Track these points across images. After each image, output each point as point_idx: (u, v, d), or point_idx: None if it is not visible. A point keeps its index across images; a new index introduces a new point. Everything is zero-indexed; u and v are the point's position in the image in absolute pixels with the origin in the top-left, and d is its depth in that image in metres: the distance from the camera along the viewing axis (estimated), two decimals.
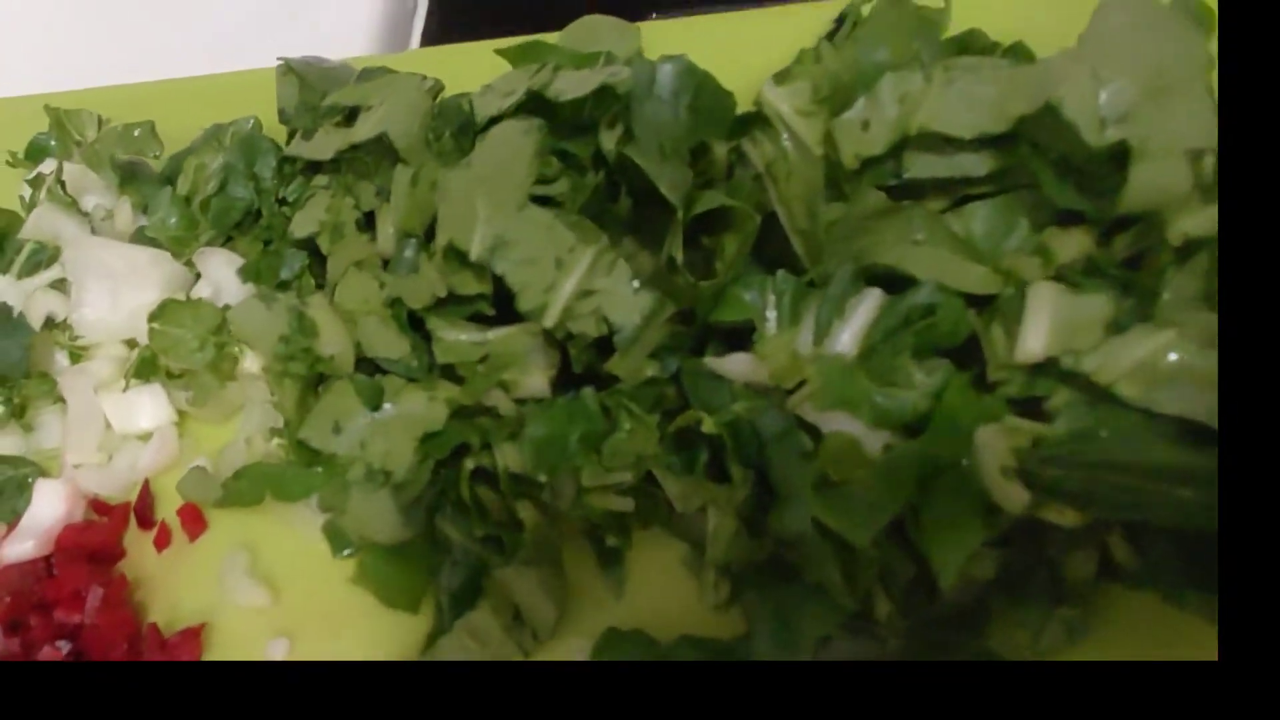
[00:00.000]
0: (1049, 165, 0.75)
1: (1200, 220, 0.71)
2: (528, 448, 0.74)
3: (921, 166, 0.78)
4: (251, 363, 0.91)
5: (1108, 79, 0.73)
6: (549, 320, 0.75)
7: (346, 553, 0.83)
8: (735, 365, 0.73)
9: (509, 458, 0.76)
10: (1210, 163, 0.73)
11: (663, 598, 0.79)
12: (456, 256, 0.78)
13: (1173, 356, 0.66)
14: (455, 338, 0.80)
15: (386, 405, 0.81)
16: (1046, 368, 0.68)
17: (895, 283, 0.75)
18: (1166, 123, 0.73)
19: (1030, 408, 0.70)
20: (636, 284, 0.75)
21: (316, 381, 0.86)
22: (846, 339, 0.73)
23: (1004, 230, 0.77)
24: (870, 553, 0.66)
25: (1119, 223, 0.74)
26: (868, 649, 0.72)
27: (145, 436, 0.96)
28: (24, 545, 0.90)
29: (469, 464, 0.78)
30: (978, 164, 0.77)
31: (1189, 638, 0.70)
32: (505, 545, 0.77)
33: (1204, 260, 0.70)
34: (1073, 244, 0.73)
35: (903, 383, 0.68)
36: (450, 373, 0.82)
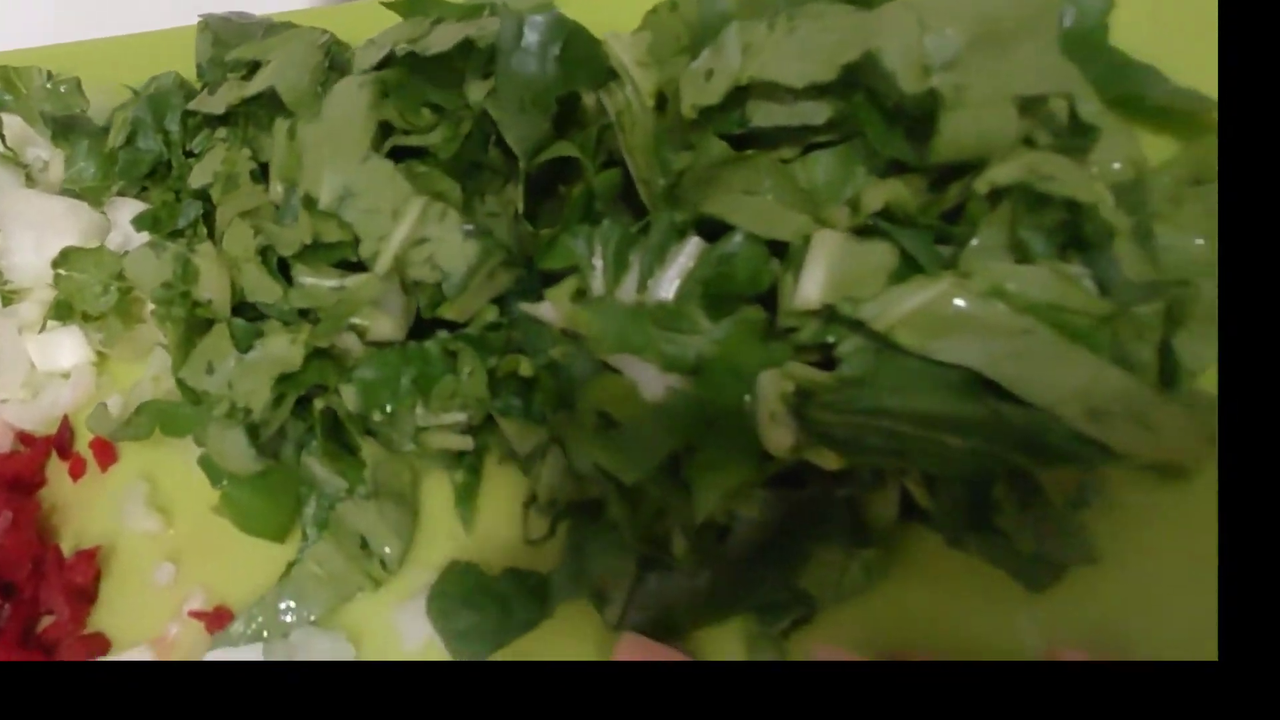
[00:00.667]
0: (878, 113, 0.76)
1: (1009, 169, 0.71)
2: (357, 388, 0.78)
3: (763, 115, 0.79)
4: None
5: (934, 26, 0.73)
6: (381, 266, 0.78)
7: (223, 484, 0.88)
8: (546, 311, 0.76)
9: (347, 398, 0.80)
10: (1062, 108, 0.73)
11: (506, 531, 0.83)
12: (311, 205, 0.82)
13: (956, 304, 0.67)
14: (314, 283, 0.84)
15: (255, 347, 0.85)
16: (838, 315, 0.70)
17: (724, 231, 0.77)
18: (997, 70, 0.72)
19: (827, 355, 0.71)
20: (470, 229, 0.78)
21: (205, 325, 0.91)
22: (665, 286, 0.75)
23: (843, 178, 0.78)
24: (652, 491, 0.68)
25: (955, 171, 0.75)
26: (679, 586, 0.75)
27: (67, 375, 1.02)
28: None
29: (319, 404, 0.82)
30: (817, 112, 0.77)
31: (980, 580, 0.71)
32: (349, 479, 0.81)
33: (1008, 210, 0.71)
34: (885, 192, 0.73)
35: (688, 329, 0.70)
36: (312, 317, 0.86)
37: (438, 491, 0.87)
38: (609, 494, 0.71)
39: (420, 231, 0.78)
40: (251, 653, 0.81)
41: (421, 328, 0.85)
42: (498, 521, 0.84)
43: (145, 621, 0.89)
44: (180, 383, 0.88)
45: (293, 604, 0.83)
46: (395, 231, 0.78)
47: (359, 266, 0.86)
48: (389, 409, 0.79)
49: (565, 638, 0.77)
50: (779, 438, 0.66)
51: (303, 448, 0.87)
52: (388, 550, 0.82)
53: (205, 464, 0.87)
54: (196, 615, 0.87)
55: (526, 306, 0.77)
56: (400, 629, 0.81)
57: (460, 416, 0.79)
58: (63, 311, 0.99)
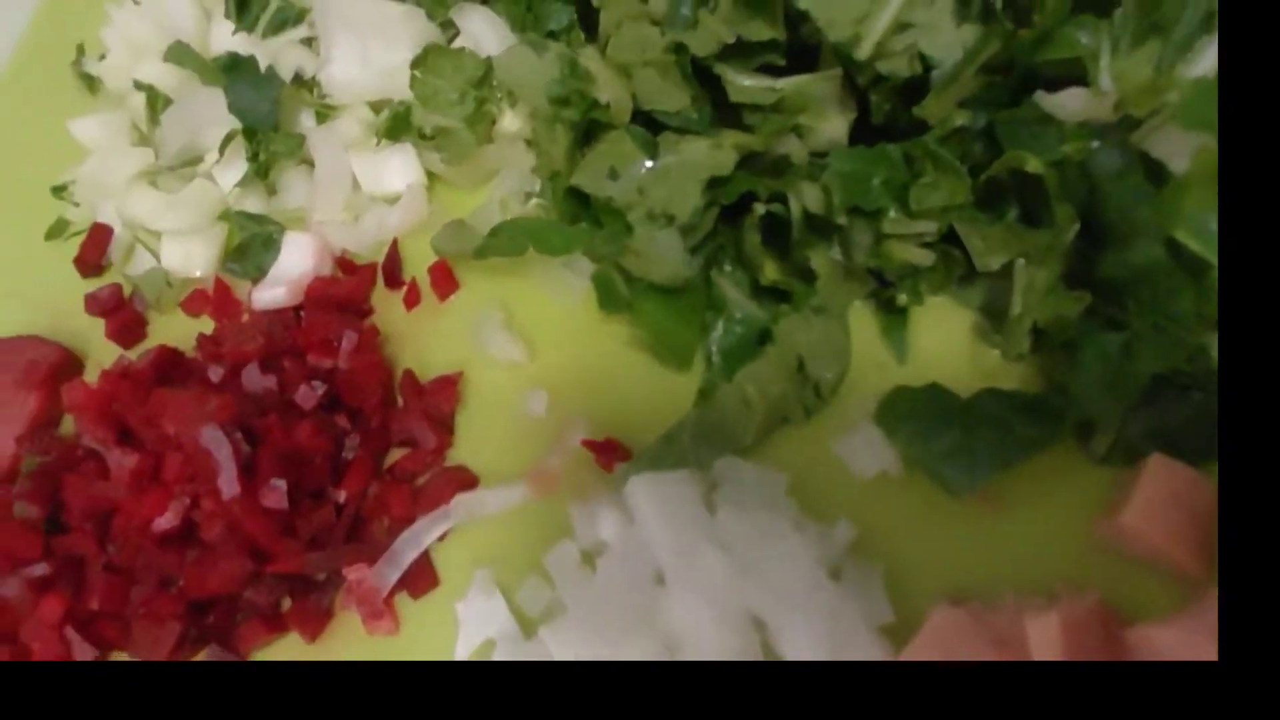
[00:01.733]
0: None
1: None
2: (834, 181, 0.70)
3: None
4: (510, 122, 0.88)
5: None
6: (863, 52, 0.70)
7: (612, 308, 0.79)
8: (1071, 101, 0.68)
9: (808, 198, 0.72)
10: None
11: (949, 361, 0.75)
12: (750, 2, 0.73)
13: None
14: (754, 82, 0.75)
15: (665, 154, 0.77)
16: None
17: None
18: None
19: None
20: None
21: (584, 135, 0.82)
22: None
23: None
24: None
25: None
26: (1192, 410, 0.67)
27: (392, 200, 0.94)
28: (275, 292, 0.89)
29: (759, 209, 0.74)
30: None
31: None
32: (794, 294, 0.73)
33: None
34: None
35: None
36: (736, 123, 0.78)
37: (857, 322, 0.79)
38: (1166, 288, 0.62)
39: (906, 15, 0.69)
40: (660, 486, 0.72)
41: (866, 134, 0.76)
42: (927, 352, 0.76)
43: (516, 456, 0.81)
44: (567, 197, 0.80)
45: (711, 432, 0.74)
46: (881, 13, 0.69)
47: (778, 71, 0.77)
48: (859, 211, 0.70)
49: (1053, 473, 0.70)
50: None
51: (712, 267, 0.78)
52: (827, 375, 0.74)
53: (600, 281, 0.79)
54: (590, 445, 0.78)
55: (1043, 98, 0.69)
56: (846, 457, 0.73)
57: (930, 226, 0.71)
58: (399, 127, 0.91)
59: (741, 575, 0.67)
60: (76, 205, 1.02)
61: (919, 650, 0.64)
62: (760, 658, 0.66)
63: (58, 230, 1.03)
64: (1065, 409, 0.68)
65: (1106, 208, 0.66)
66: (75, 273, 1.00)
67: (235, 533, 0.77)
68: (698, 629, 0.66)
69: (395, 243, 0.91)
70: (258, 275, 0.93)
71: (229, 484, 0.77)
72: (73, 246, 1.01)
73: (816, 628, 0.65)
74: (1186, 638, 0.59)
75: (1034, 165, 0.67)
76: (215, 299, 0.93)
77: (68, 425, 0.92)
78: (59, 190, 1.02)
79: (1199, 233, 0.61)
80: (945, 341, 0.76)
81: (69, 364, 0.95)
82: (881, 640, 0.66)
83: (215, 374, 0.84)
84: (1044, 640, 0.60)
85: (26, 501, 0.82)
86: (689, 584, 0.67)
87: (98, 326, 0.96)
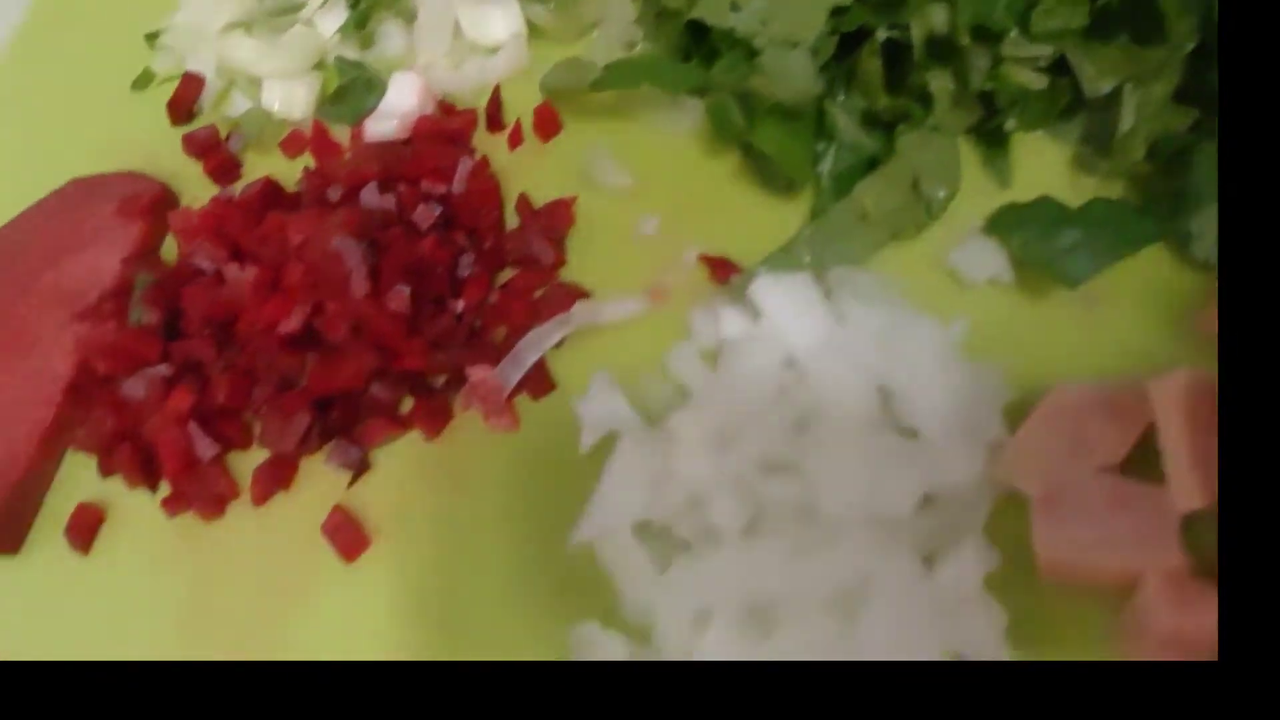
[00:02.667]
0: None
1: None
2: (963, 1, 0.75)
3: None
4: None
5: None
6: None
7: (726, 136, 0.84)
8: None
9: (934, 18, 0.76)
10: None
11: (1050, 189, 0.80)
12: None
13: None
14: None
15: None
16: None
17: None
18: None
19: None
20: None
21: None
22: None
23: None
24: None
25: None
26: None
27: (492, 51, 0.97)
28: (387, 124, 0.92)
29: (880, 35, 0.79)
30: None
31: None
32: (913, 114, 0.78)
33: None
34: None
35: None
36: None
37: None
38: None
39: None
40: (786, 282, 0.77)
41: None
42: (1035, 179, 0.81)
43: (629, 274, 0.84)
44: (687, 29, 0.84)
45: (827, 244, 0.79)
46: None
47: None
48: (981, 33, 0.76)
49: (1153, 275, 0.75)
50: None
51: (824, 97, 0.83)
52: (940, 193, 0.79)
53: (715, 109, 0.83)
54: (706, 259, 0.82)
55: None
56: (959, 265, 0.78)
57: (1046, 49, 0.76)
58: None
59: (873, 351, 0.71)
60: (166, 53, 1.03)
61: (1039, 421, 0.69)
62: (892, 431, 0.70)
63: (144, 80, 1.05)
64: (1172, 213, 0.73)
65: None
66: (163, 121, 1.02)
67: (361, 332, 0.80)
68: (834, 400, 0.70)
69: (498, 87, 0.94)
70: (356, 119, 0.96)
71: (359, 284, 0.79)
72: (159, 96, 1.03)
73: (946, 399, 0.69)
74: None
75: None
76: (314, 139, 0.95)
77: (168, 255, 0.93)
78: (152, 37, 1.04)
79: None
80: (1045, 172, 0.81)
81: (166, 198, 0.96)
82: (1002, 419, 0.70)
83: (334, 193, 0.87)
84: (1167, 401, 0.64)
85: (147, 306, 0.84)
86: (822, 361, 0.71)
87: (187, 169, 0.98)
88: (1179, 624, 0.60)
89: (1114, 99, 0.77)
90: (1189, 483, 0.62)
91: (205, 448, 0.81)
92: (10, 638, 0.82)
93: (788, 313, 0.74)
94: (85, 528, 0.83)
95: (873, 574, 0.64)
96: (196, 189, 0.98)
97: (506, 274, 0.87)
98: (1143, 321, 0.74)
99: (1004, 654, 0.63)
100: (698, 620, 0.66)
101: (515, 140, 0.93)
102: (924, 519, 0.67)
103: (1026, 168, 0.82)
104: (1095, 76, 0.76)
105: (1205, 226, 0.73)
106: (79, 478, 0.87)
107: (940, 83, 0.78)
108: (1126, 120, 0.75)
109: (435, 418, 0.80)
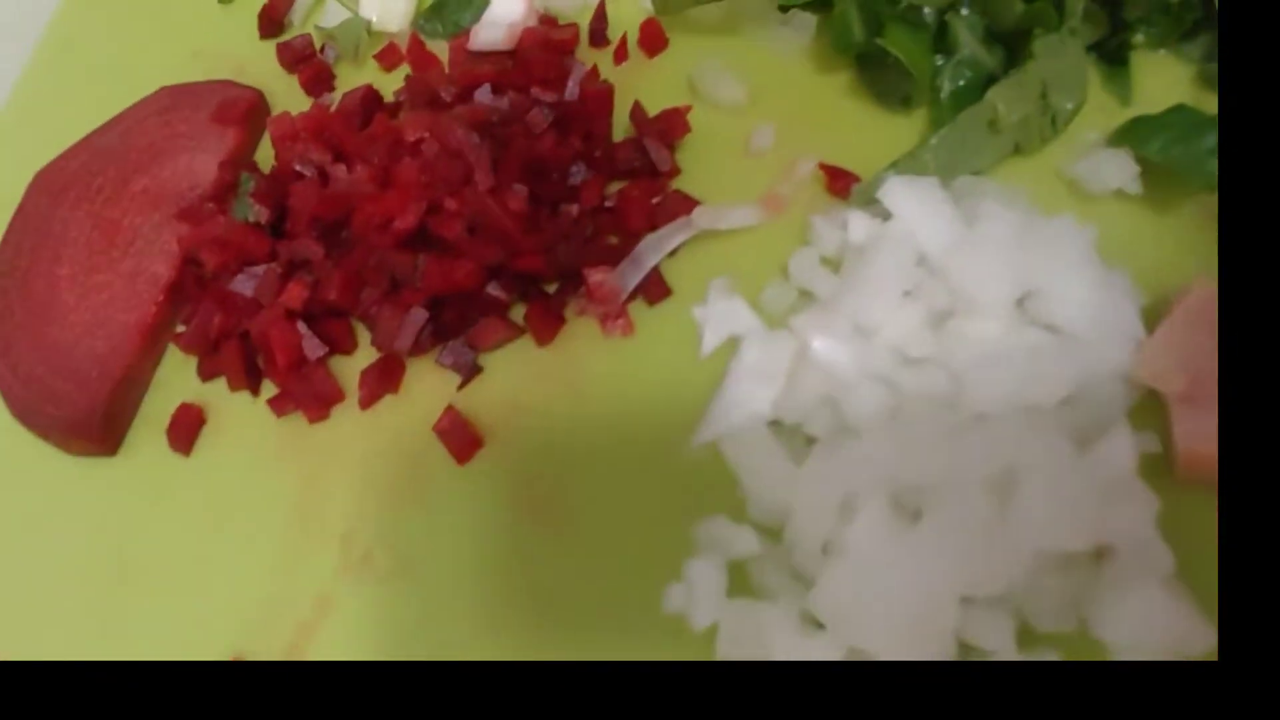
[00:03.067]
0: None
1: None
2: None
3: None
4: None
5: None
6: None
7: (844, 49, 0.83)
8: None
9: None
10: None
11: (1171, 104, 0.80)
12: None
13: None
14: None
15: None
16: None
17: None
18: None
19: None
20: None
21: None
22: None
23: None
24: None
25: None
26: None
27: None
28: (494, 33, 0.91)
29: None
30: None
31: None
32: (1048, 20, 0.78)
33: None
34: None
35: None
36: None
37: None
38: None
39: None
40: (917, 185, 0.76)
41: None
42: (1157, 98, 0.80)
43: (744, 185, 0.84)
44: None
45: (953, 153, 0.79)
46: None
47: None
48: None
49: None
50: None
51: (946, 12, 0.83)
52: (1067, 105, 0.78)
53: (836, 21, 0.82)
54: (825, 169, 0.82)
55: None
56: (1084, 176, 0.77)
57: None
58: None
59: (1008, 250, 0.70)
60: None
61: (1177, 320, 0.69)
62: (1032, 327, 0.70)
63: None
64: None
65: None
66: (250, 35, 1.01)
67: (477, 231, 0.79)
68: (971, 297, 0.69)
69: (602, 1, 0.93)
70: (453, 33, 0.95)
71: (484, 177, 0.78)
72: (247, 9, 1.02)
73: (1087, 297, 0.69)
74: None
75: None
76: (411, 52, 0.95)
77: (263, 163, 0.92)
78: None
79: None
80: (1166, 91, 0.81)
81: (261, 105, 0.95)
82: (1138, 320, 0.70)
83: (447, 94, 0.86)
84: None
85: (255, 202, 0.83)
86: (957, 259, 0.71)
87: (276, 83, 0.97)
88: None
89: None
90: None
91: (314, 347, 0.80)
92: (111, 534, 0.80)
93: (919, 215, 0.73)
94: (187, 428, 0.82)
95: (1024, 457, 0.63)
96: (285, 103, 0.96)
97: (617, 186, 0.85)
98: None
99: (1157, 541, 0.62)
100: (843, 508, 0.65)
101: (620, 56, 0.92)
102: (1067, 412, 0.67)
103: (1146, 86, 0.82)
104: None
105: None
106: (174, 382, 0.86)
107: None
108: None
109: (549, 323, 0.80)
